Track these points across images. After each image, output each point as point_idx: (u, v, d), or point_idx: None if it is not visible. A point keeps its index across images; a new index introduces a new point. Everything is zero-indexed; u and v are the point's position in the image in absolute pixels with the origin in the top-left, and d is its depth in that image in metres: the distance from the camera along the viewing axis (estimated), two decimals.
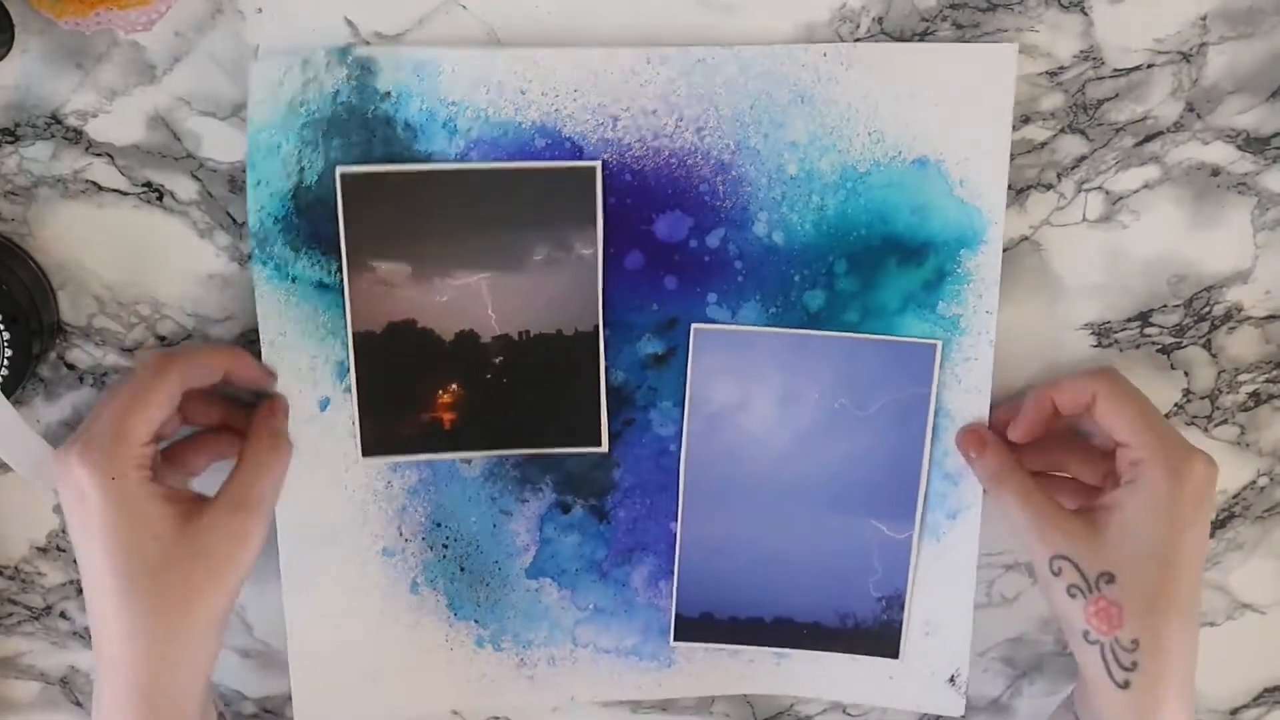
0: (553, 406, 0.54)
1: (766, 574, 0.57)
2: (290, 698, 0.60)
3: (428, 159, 0.51)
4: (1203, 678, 0.63)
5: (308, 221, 0.51)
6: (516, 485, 0.56)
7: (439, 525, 0.56)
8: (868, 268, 0.54)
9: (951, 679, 0.59)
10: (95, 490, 0.46)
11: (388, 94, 0.50)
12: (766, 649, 0.59)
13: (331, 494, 0.55)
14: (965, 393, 0.55)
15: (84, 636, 0.59)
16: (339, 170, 0.51)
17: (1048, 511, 0.51)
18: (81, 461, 0.46)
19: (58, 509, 0.57)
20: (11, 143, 0.51)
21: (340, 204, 0.51)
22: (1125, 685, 0.48)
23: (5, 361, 0.50)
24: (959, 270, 0.54)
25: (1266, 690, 0.64)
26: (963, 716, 0.60)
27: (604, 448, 0.55)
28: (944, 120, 0.52)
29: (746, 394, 0.55)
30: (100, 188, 0.52)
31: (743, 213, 0.53)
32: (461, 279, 0.52)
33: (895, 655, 0.58)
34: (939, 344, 0.54)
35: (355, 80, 0.50)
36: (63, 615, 0.58)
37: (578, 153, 0.52)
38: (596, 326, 0.53)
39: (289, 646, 0.57)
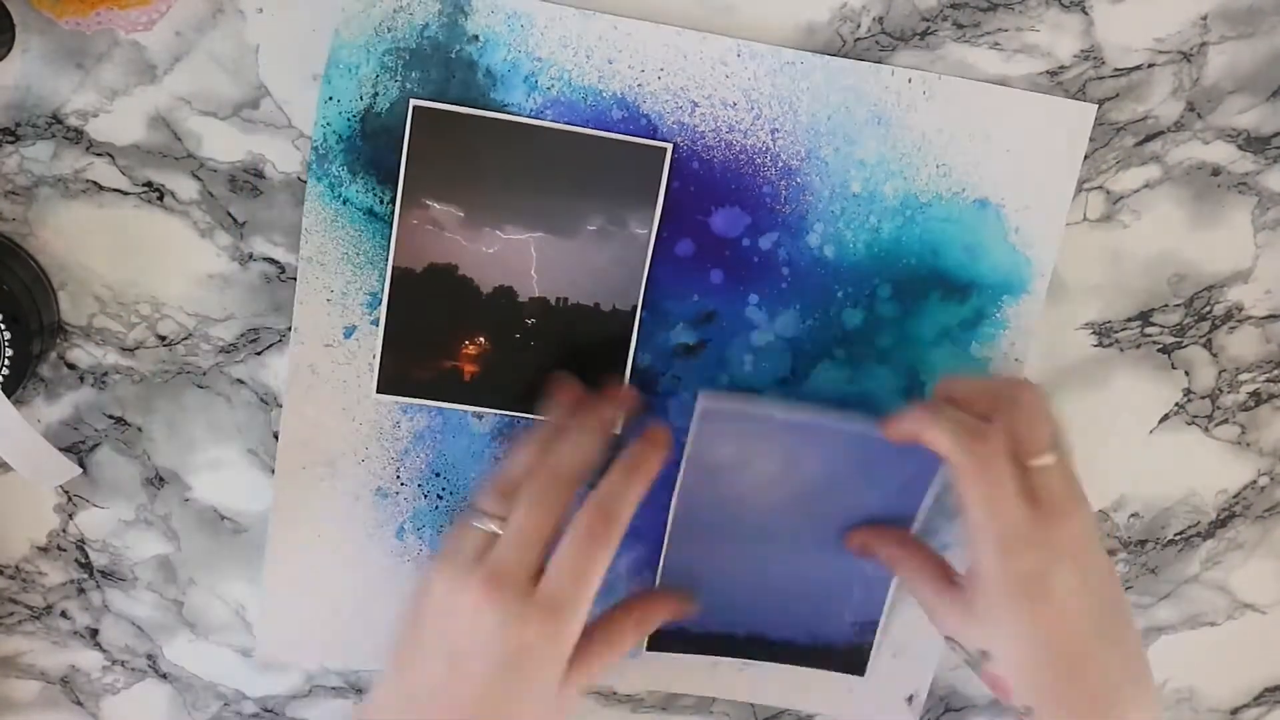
0: (578, 377, 0.54)
1: (744, 596, 0.58)
2: (291, 696, 0.60)
3: (502, 109, 0.51)
4: (1203, 677, 0.64)
5: (371, 147, 0.51)
6: None
7: (438, 475, 0.56)
8: (910, 296, 0.54)
9: (909, 699, 0.60)
10: (552, 650, 0.44)
11: (475, 37, 0.50)
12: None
13: (338, 424, 0.55)
14: None
15: (84, 636, 0.59)
16: (413, 102, 0.50)
17: (932, 594, 0.51)
18: (545, 618, 0.44)
19: (58, 509, 0.57)
20: (12, 142, 0.51)
21: (407, 135, 0.51)
22: None
23: (6, 361, 0.50)
24: (998, 315, 0.54)
25: (1267, 690, 0.64)
26: None
27: (617, 429, 0.55)
28: (1012, 166, 0.53)
29: (746, 464, 0.54)
30: (101, 187, 0.52)
31: (800, 221, 0.53)
32: (511, 234, 0.52)
33: (861, 674, 0.59)
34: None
35: (446, 17, 0.50)
36: (63, 615, 0.58)
37: (652, 131, 0.52)
38: (635, 306, 0.53)
39: (264, 570, 0.56)
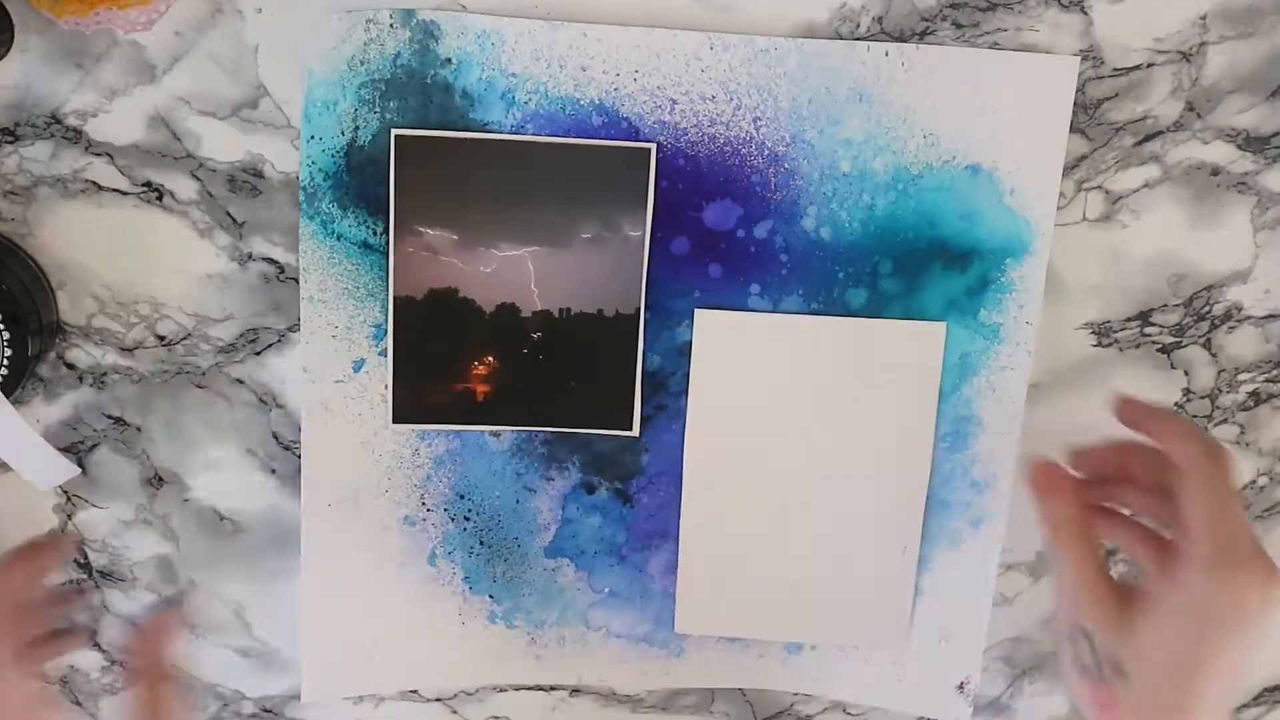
0: (587, 386, 0.54)
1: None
2: (290, 696, 0.60)
3: (483, 128, 0.51)
4: None
5: (358, 180, 0.52)
6: (543, 463, 0.56)
7: (462, 497, 0.56)
8: (912, 270, 0.54)
9: (960, 686, 0.59)
10: None
11: (448, 60, 0.50)
12: (777, 643, 0.59)
13: (358, 458, 0.55)
14: (999, 402, 0.55)
15: None
16: (394, 132, 0.51)
17: (1093, 582, 0.46)
18: None
19: (57, 509, 0.57)
20: (11, 142, 0.51)
21: (392, 165, 0.51)
22: None
23: (4, 361, 0.50)
24: (1003, 279, 0.54)
25: (1266, 690, 0.64)
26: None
27: (635, 431, 0.55)
28: (1000, 128, 0.52)
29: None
30: (100, 187, 0.52)
31: (792, 206, 0.53)
32: (507, 251, 0.52)
33: (904, 642, 0.58)
34: (944, 325, 0.54)
35: (417, 44, 0.50)
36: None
37: (634, 133, 0.52)
38: (638, 309, 0.54)
39: (302, 613, 0.56)
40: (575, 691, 0.61)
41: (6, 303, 0.49)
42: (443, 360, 0.54)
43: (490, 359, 0.54)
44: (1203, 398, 0.58)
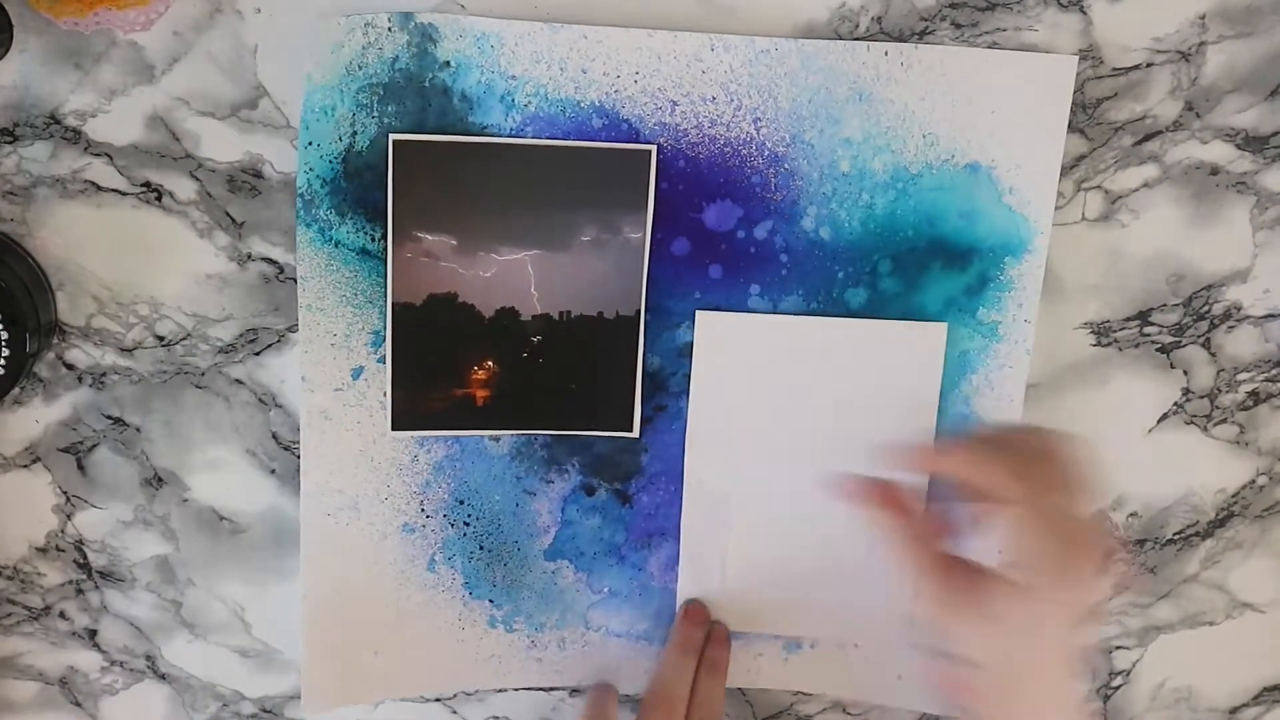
0: (587, 389, 0.54)
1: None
2: (289, 697, 0.60)
3: (482, 132, 0.51)
4: (1201, 677, 0.64)
5: (356, 186, 0.51)
6: (543, 465, 0.56)
7: (462, 502, 0.56)
8: (912, 269, 0.54)
9: None
10: None
11: (447, 63, 0.50)
12: (776, 642, 0.59)
13: (357, 465, 0.55)
14: (998, 400, 0.55)
15: (82, 637, 0.59)
16: (392, 137, 0.50)
17: (934, 583, 0.47)
18: None
19: (56, 509, 0.57)
20: (10, 142, 0.51)
21: (390, 171, 0.51)
22: None
23: (2, 361, 0.50)
24: (1002, 278, 0.54)
25: (1266, 689, 0.64)
26: None
27: (635, 433, 0.55)
28: (998, 127, 0.52)
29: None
30: (99, 187, 0.52)
31: (792, 206, 0.53)
32: (507, 255, 0.52)
33: (904, 640, 0.57)
34: (945, 325, 0.54)
35: (415, 47, 0.50)
36: (62, 615, 0.58)
37: (634, 135, 0.52)
38: (639, 311, 0.53)
39: (303, 618, 0.56)
40: (575, 692, 0.61)
41: (5, 302, 0.49)
42: (442, 366, 0.54)
43: (490, 363, 0.54)
44: (1202, 397, 0.58)
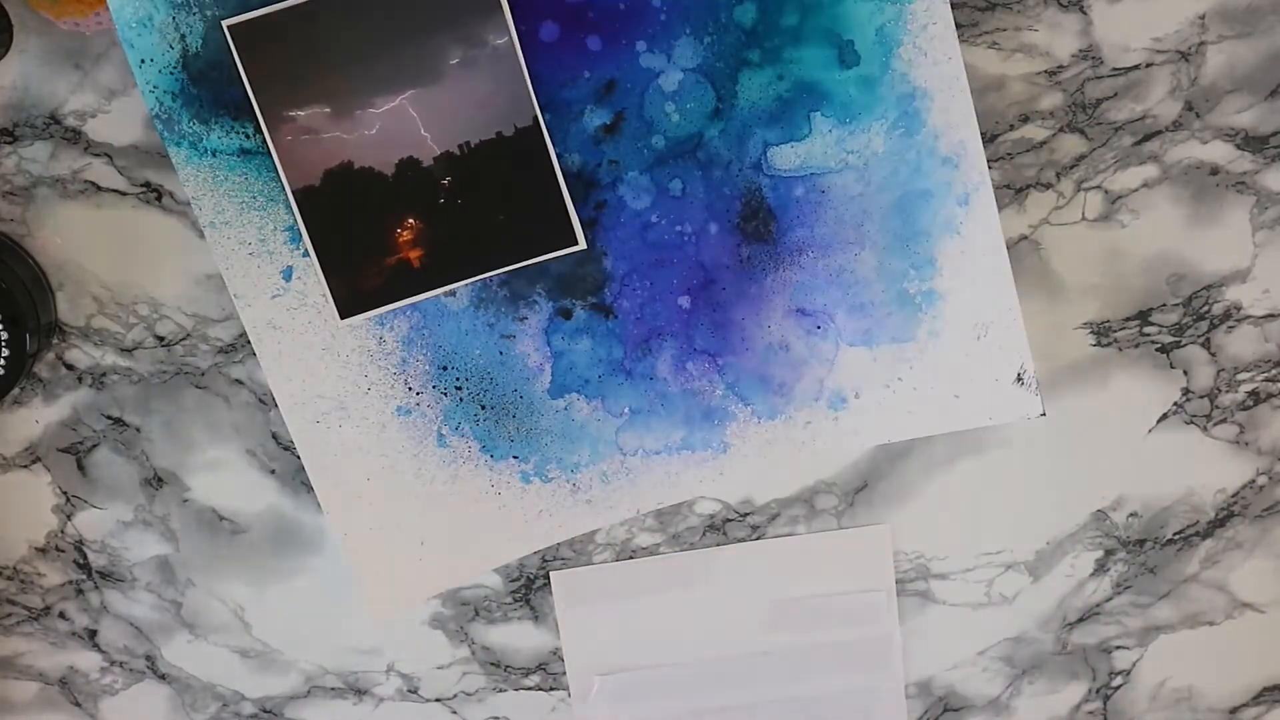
0: (517, 214, 0.51)
1: None
2: (289, 697, 0.60)
3: None
4: (1202, 677, 0.64)
5: (208, 89, 0.49)
6: (509, 305, 0.53)
7: (445, 369, 0.54)
8: None
9: (1018, 377, 0.55)
10: None
11: None
12: (822, 403, 0.55)
13: (326, 365, 0.53)
14: (934, 64, 0.51)
15: (82, 637, 0.59)
16: (225, 24, 0.48)
17: None
18: None
19: (56, 510, 0.57)
20: (10, 143, 0.51)
21: (238, 58, 0.48)
22: None
23: (2, 360, 0.50)
24: None
25: (1266, 689, 0.64)
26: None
27: (581, 244, 0.52)
28: None
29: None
30: (99, 188, 0.52)
31: None
32: (384, 105, 0.50)
33: (935, 347, 0.54)
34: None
35: None
36: (61, 616, 0.58)
37: None
38: (535, 117, 0.50)
39: (342, 542, 0.54)
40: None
41: (5, 302, 0.49)
42: (366, 238, 0.51)
43: (411, 221, 0.51)
44: (1202, 397, 0.58)
